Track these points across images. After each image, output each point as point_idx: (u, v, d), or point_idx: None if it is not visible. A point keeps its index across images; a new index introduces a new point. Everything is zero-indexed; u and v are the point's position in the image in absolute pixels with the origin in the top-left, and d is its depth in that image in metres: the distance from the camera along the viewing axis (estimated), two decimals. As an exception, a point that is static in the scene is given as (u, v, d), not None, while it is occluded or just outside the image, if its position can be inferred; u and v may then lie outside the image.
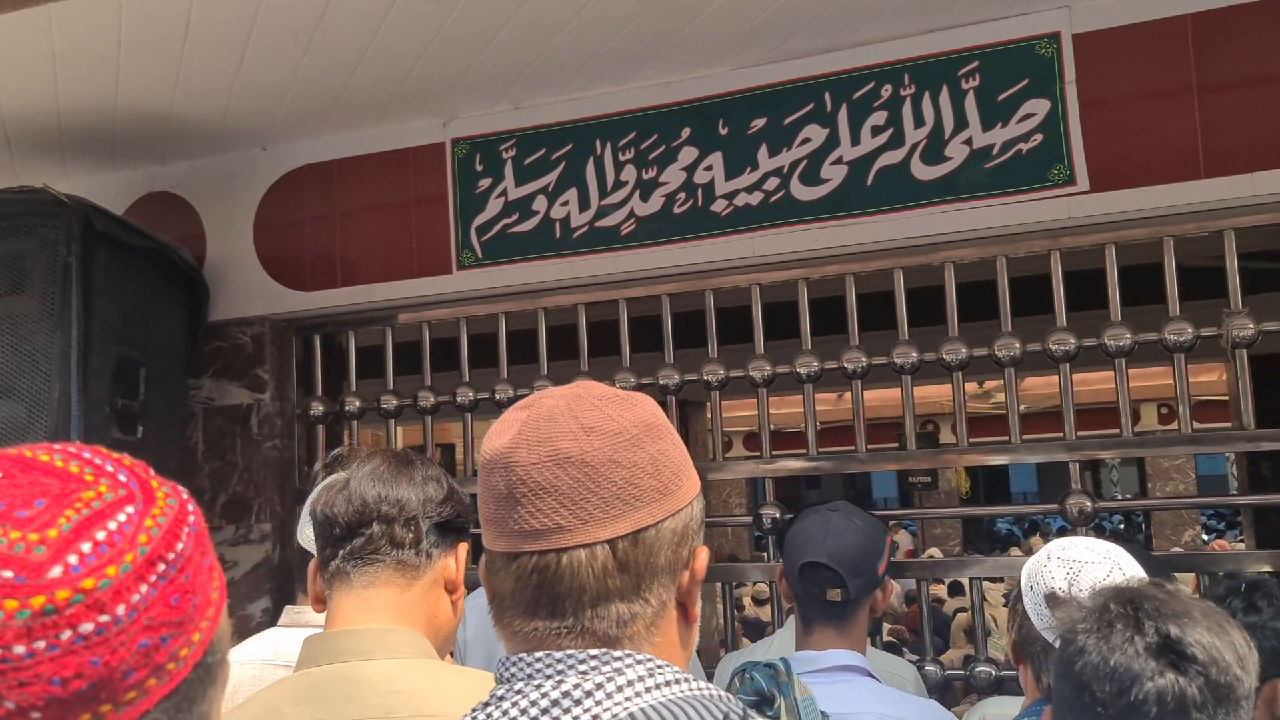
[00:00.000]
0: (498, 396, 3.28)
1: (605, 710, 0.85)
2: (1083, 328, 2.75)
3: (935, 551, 10.61)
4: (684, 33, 2.77)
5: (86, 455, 0.68)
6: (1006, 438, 2.81)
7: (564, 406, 0.93)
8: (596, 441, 0.91)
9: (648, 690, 0.87)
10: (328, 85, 2.98)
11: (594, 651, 0.89)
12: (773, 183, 2.91)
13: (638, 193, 3.04)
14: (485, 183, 3.20)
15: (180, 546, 0.66)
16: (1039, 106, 2.68)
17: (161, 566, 0.64)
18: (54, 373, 2.83)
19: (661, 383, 3.11)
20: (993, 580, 7.07)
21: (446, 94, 3.11)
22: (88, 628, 0.59)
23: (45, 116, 3.05)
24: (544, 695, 0.87)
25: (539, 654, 0.91)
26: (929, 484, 15.68)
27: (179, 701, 0.64)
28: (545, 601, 0.90)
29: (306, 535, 1.73)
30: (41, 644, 0.57)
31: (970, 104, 2.74)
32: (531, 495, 0.90)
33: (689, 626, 0.96)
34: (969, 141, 2.74)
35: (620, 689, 0.87)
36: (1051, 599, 1.59)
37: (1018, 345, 2.77)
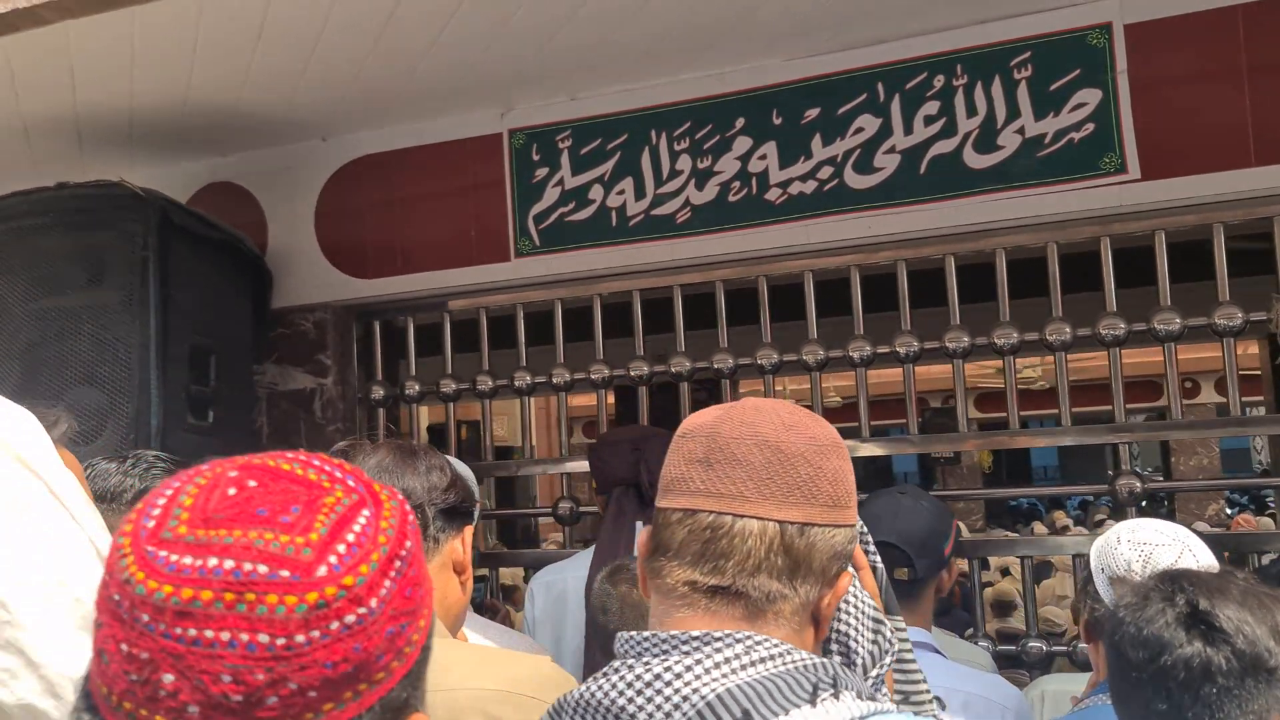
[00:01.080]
0: (554, 380, 3.38)
1: (696, 688, 0.93)
2: (1129, 305, 2.82)
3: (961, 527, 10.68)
4: (740, 26, 2.83)
5: (317, 463, 0.76)
6: (1055, 412, 2.89)
7: (768, 405, 1.05)
8: (793, 437, 1.02)
9: (742, 667, 0.95)
10: (391, 80, 3.06)
11: (696, 633, 0.97)
12: (826, 171, 2.98)
13: (693, 181, 3.11)
14: (542, 172, 3.28)
15: (408, 544, 0.75)
16: (1090, 96, 2.74)
17: (398, 563, 0.72)
18: (134, 361, 2.93)
19: (716, 366, 3.20)
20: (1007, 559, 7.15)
21: (505, 87, 3.19)
22: (350, 619, 0.67)
23: (118, 112, 3.14)
24: (647, 670, 0.97)
25: (648, 634, 1.00)
26: (951, 459, 15.72)
27: (413, 679, 0.74)
28: (711, 556, 1.00)
29: None
30: (316, 633, 0.65)
31: (1023, 94, 2.80)
32: (725, 463, 1.01)
33: (815, 643, 1.05)
34: (1021, 131, 2.80)
35: (716, 666, 0.95)
36: (1114, 580, 1.68)
37: (1068, 330, 2.84)
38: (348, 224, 3.50)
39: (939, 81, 2.88)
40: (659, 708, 0.94)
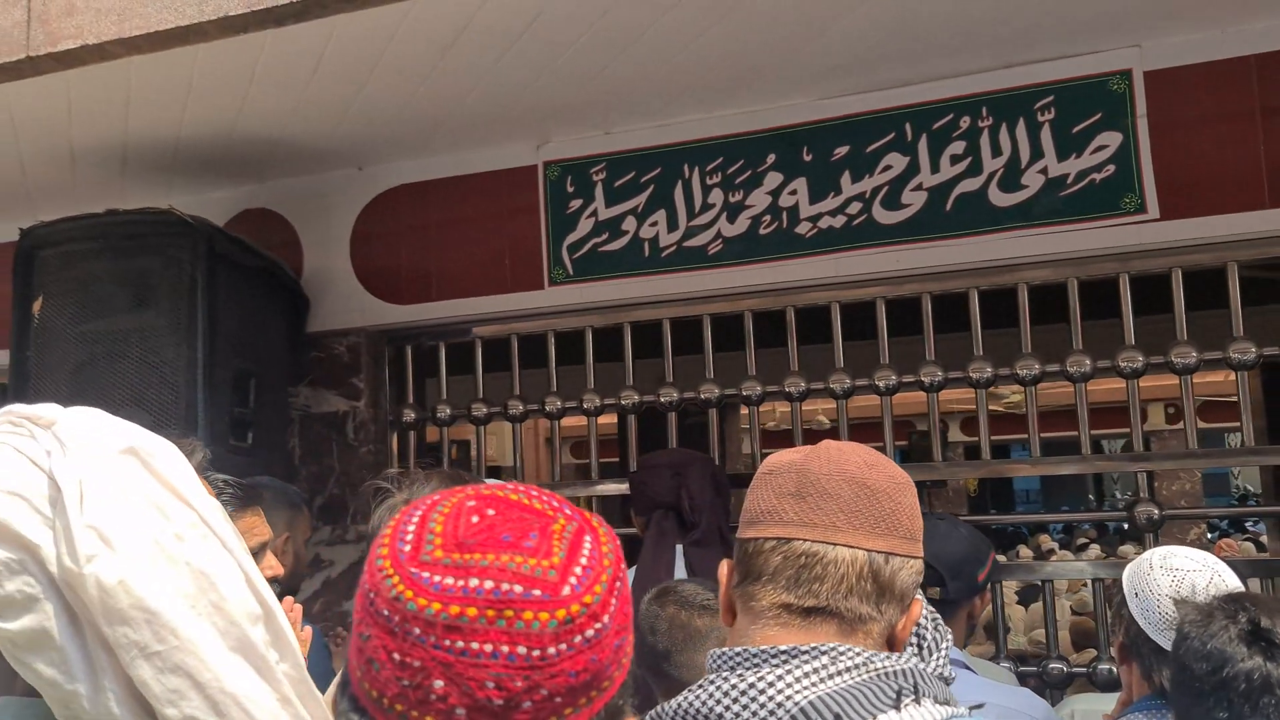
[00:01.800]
0: (585, 405, 3.47)
1: (789, 695, 1.03)
2: (1143, 331, 2.94)
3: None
4: (774, 66, 2.95)
5: (534, 493, 0.85)
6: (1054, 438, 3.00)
7: (848, 446, 1.15)
8: (876, 474, 1.13)
9: (830, 676, 1.04)
10: (433, 114, 3.16)
11: (784, 647, 1.07)
12: (855, 207, 3.09)
13: (724, 214, 3.22)
14: (576, 203, 3.38)
15: (622, 567, 0.84)
16: (1111, 139, 2.87)
17: (618, 583, 0.81)
18: (181, 384, 3.00)
19: (745, 393, 3.30)
20: (1012, 582, 7.25)
21: (541, 120, 3.29)
22: (590, 633, 0.76)
23: (165, 140, 3.22)
24: (741, 680, 1.06)
25: (738, 649, 1.09)
26: (938, 482, 15.86)
27: (628, 687, 0.83)
28: (806, 581, 1.09)
29: None
30: (564, 645, 0.74)
31: (1046, 135, 2.92)
32: (817, 496, 1.11)
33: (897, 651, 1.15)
34: (1044, 171, 2.92)
35: (805, 675, 1.04)
36: (1179, 600, 1.78)
37: (1088, 362, 2.96)
38: (382, 251, 3.59)
39: (965, 122, 3.00)
40: (754, 714, 1.04)
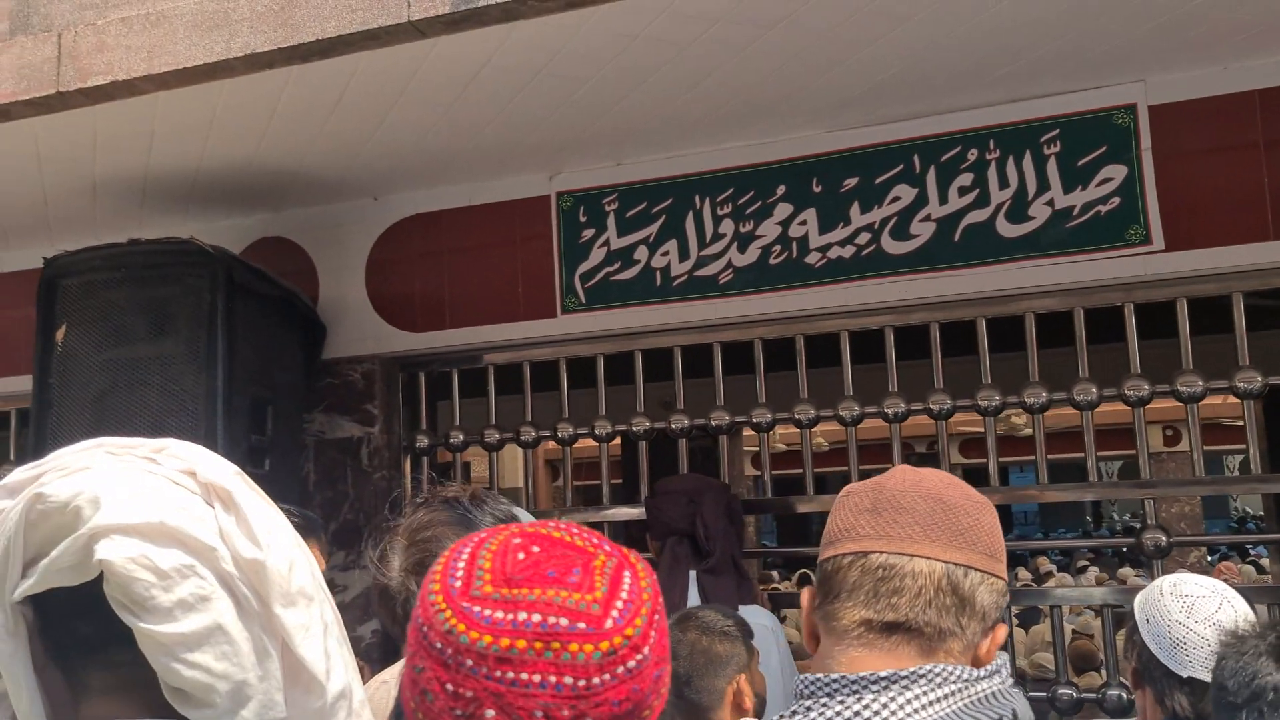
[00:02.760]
0: (597, 431, 3.51)
1: None
2: (1149, 357, 3.00)
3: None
4: (784, 100, 3.01)
5: (575, 530, 0.89)
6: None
7: (926, 469, 1.18)
8: (953, 491, 1.14)
9: (932, 702, 1.05)
10: (450, 146, 3.22)
11: (883, 673, 1.06)
12: (864, 237, 3.15)
13: (735, 244, 3.27)
14: (589, 233, 3.43)
15: (660, 600, 0.88)
16: (1116, 171, 2.93)
17: (657, 616, 0.85)
18: (200, 412, 3.05)
19: (755, 420, 3.35)
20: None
21: (554, 152, 3.34)
22: (632, 664, 0.79)
23: (185, 172, 3.28)
24: (845, 708, 1.06)
25: (834, 675, 1.09)
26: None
27: (665, 717, 0.87)
28: (885, 594, 1.09)
29: None
30: (608, 676, 0.78)
31: (1052, 168, 2.98)
32: (893, 511, 1.12)
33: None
34: (1050, 203, 2.98)
35: (909, 702, 1.05)
36: (1222, 634, 1.85)
37: (1094, 390, 3.00)
38: (397, 279, 3.64)
39: (973, 155, 3.06)
40: None
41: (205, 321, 3.08)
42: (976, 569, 1.10)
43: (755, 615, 2.75)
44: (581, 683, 0.77)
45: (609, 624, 0.79)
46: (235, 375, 3.11)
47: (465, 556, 0.84)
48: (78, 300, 3.14)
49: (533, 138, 3.18)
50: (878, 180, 3.15)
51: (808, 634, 1.19)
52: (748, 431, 5.44)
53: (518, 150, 3.29)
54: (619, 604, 0.81)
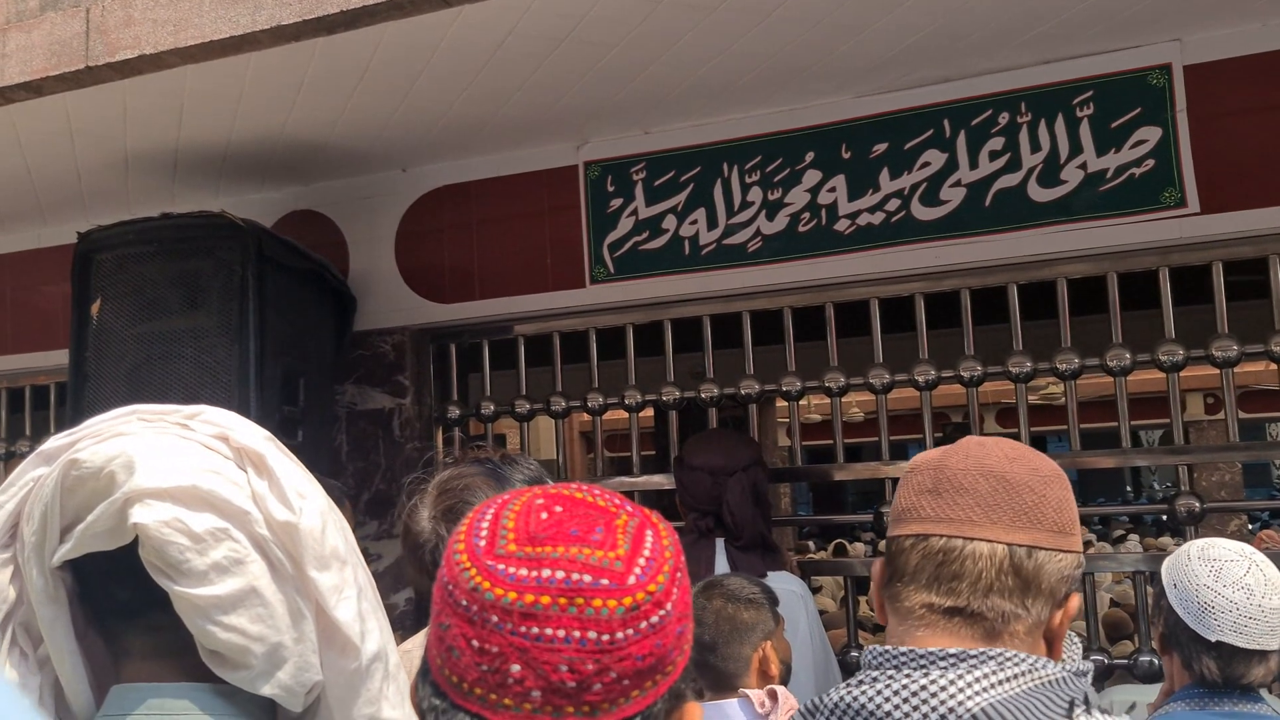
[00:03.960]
0: (627, 400, 3.52)
1: (961, 701, 1.02)
2: (1183, 322, 2.95)
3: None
4: (813, 65, 2.97)
5: (597, 491, 0.90)
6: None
7: (990, 441, 1.14)
8: (1018, 467, 1.10)
9: (1000, 682, 1.03)
10: (477, 117, 3.22)
11: (952, 650, 1.06)
12: (894, 204, 3.12)
13: (763, 212, 3.26)
14: (617, 202, 3.42)
15: (682, 559, 0.89)
16: (1151, 133, 2.87)
17: (680, 574, 0.86)
18: (233, 383, 3.08)
19: (785, 389, 3.34)
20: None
21: (581, 121, 3.33)
22: (655, 619, 0.80)
23: (215, 146, 3.30)
24: (912, 681, 1.05)
25: (903, 649, 1.08)
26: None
27: (689, 673, 0.87)
28: (945, 579, 1.08)
29: None
30: (631, 631, 0.79)
31: (1085, 131, 2.93)
32: (953, 491, 1.10)
33: (1057, 652, 1.13)
34: (1083, 166, 2.93)
35: (976, 681, 1.03)
36: None
37: (1128, 356, 2.97)
38: (426, 251, 3.65)
39: (1004, 119, 3.02)
40: (925, 717, 1.03)
41: (236, 294, 3.11)
42: (1042, 547, 1.08)
43: (784, 581, 2.75)
44: (605, 637, 0.78)
45: (631, 580, 0.80)
46: (267, 347, 3.14)
47: (489, 517, 0.85)
48: (111, 274, 3.18)
49: (559, 106, 3.17)
50: (907, 146, 3.11)
51: (878, 607, 1.18)
52: (780, 402, 5.43)
53: (544, 120, 3.29)
54: (641, 561, 0.82)
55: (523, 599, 0.78)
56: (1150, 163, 2.87)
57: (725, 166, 3.30)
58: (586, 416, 3.68)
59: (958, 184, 3.06)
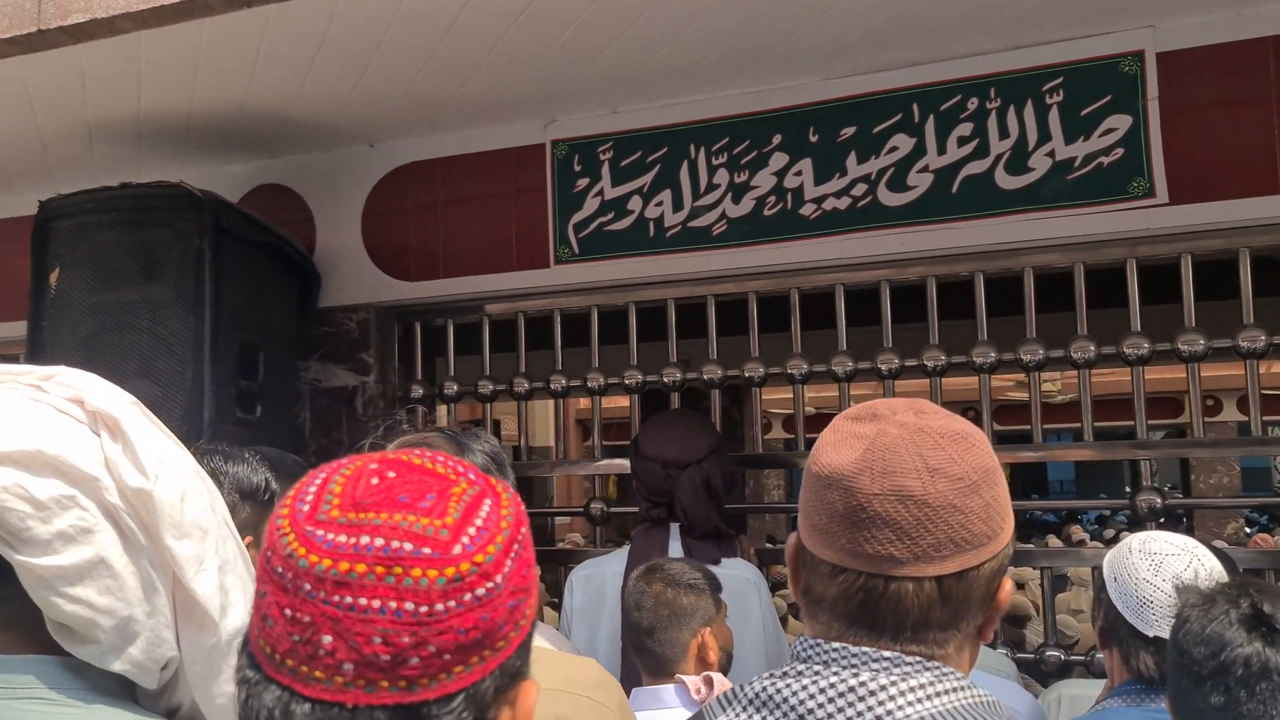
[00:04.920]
0: (589, 384, 3.48)
1: (891, 710, 0.95)
2: (1153, 320, 2.90)
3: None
4: (780, 47, 2.92)
5: (441, 458, 0.87)
6: (1077, 426, 2.96)
7: (908, 440, 1.00)
8: (939, 484, 0.97)
9: (936, 695, 0.97)
10: (440, 93, 3.17)
11: (887, 654, 0.98)
12: (861, 189, 3.07)
13: (729, 195, 3.21)
14: (583, 182, 3.38)
15: (523, 530, 0.85)
16: (1121, 122, 2.82)
17: (516, 546, 0.82)
18: (188, 355, 3.05)
19: (747, 375, 3.30)
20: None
21: (548, 99, 3.29)
22: (481, 591, 0.77)
23: (177, 116, 3.26)
24: (840, 680, 0.98)
25: (835, 644, 1.01)
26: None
27: (525, 650, 0.84)
28: (866, 620, 0.99)
29: None
30: (452, 603, 0.75)
31: (1054, 118, 2.88)
32: (870, 523, 0.98)
33: (979, 645, 1.06)
34: (1052, 154, 2.88)
35: (911, 690, 0.96)
36: (1180, 587, 1.76)
37: (1093, 348, 2.92)
38: (392, 228, 3.62)
39: (973, 104, 2.96)
40: None
41: (193, 265, 3.07)
42: (973, 566, 0.99)
43: (737, 568, 2.71)
44: (424, 609, 0.74)
45: (457, 550, 0.77)
46: (223, 319, 3.10)
47: (319, 481, 0.81)
48: (69, 243, 3.14)
49: (523, 83, 3.12)
50: (875, 130, 3.06)
51: (793, 579, 1.10)
52: (768, 394, 5.39)
53: (510, 96, 3.24)
54: (471, 530, 0.78)
55: (337, 566, 0.74)
56: (1119, 151, 2.82)
57: (692, 148, 3.25)
58: (586, 403, 3.64)
59: (925, 169, 3.01)
